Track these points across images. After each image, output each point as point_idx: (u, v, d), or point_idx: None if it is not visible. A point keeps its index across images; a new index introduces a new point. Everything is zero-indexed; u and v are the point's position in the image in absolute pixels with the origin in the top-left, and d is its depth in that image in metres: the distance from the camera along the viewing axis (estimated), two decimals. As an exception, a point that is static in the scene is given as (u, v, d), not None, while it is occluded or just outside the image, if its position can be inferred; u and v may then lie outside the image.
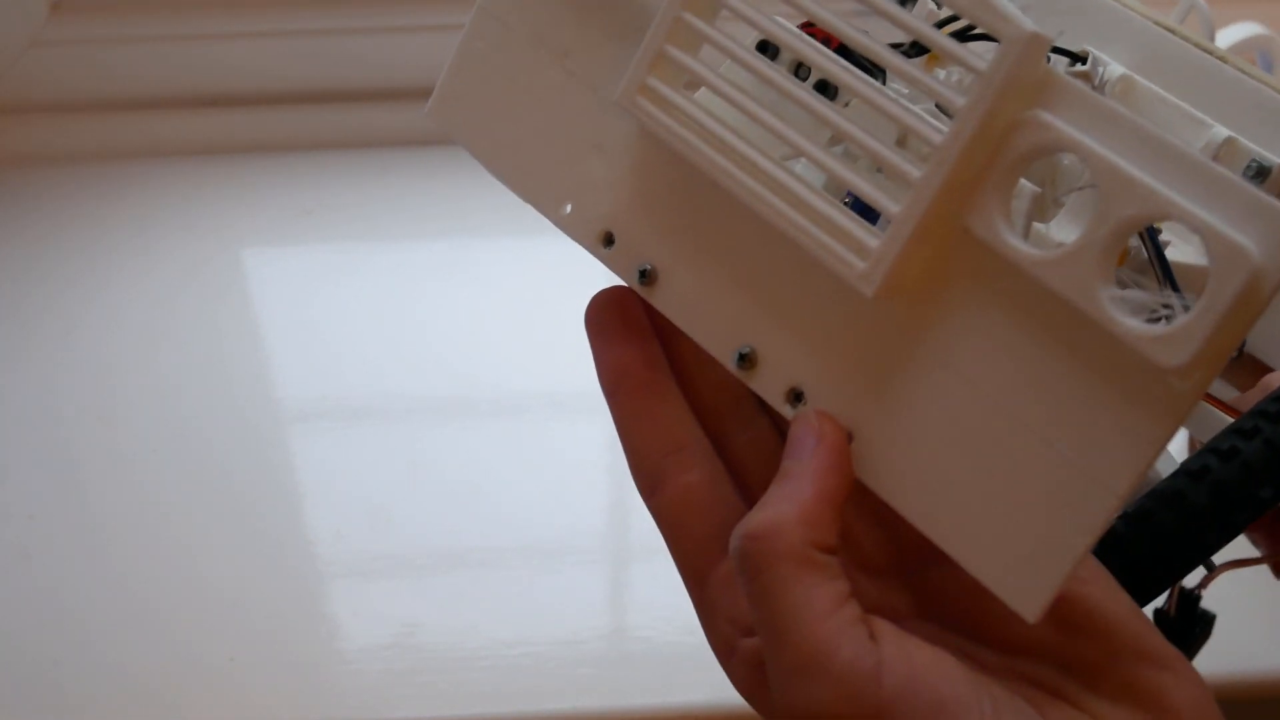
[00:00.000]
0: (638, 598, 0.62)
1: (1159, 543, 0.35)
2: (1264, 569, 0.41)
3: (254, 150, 0.81)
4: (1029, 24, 0.29)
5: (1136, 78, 0.38)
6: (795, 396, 0.34)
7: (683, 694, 0.59)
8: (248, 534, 0.63)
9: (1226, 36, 0.53)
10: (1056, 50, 0.38)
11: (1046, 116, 0.29)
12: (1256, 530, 0.40)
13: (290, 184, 0.79)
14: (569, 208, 0.37)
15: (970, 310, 0.31)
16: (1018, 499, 0.30)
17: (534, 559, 0.63)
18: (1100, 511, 0.29)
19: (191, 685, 0.58)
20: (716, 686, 0.59)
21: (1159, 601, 0.38)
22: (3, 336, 0.72)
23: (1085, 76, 0.38)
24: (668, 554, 0.36)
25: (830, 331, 0.33)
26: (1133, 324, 0.28)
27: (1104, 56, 0.39)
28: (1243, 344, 0.40)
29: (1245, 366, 0.42)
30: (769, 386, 0.34)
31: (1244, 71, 0.38)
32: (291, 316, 0.73)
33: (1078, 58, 0.38)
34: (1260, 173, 0.36)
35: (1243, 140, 0.37)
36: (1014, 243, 0.30)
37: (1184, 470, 0.35)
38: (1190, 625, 0.38)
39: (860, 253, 0.31)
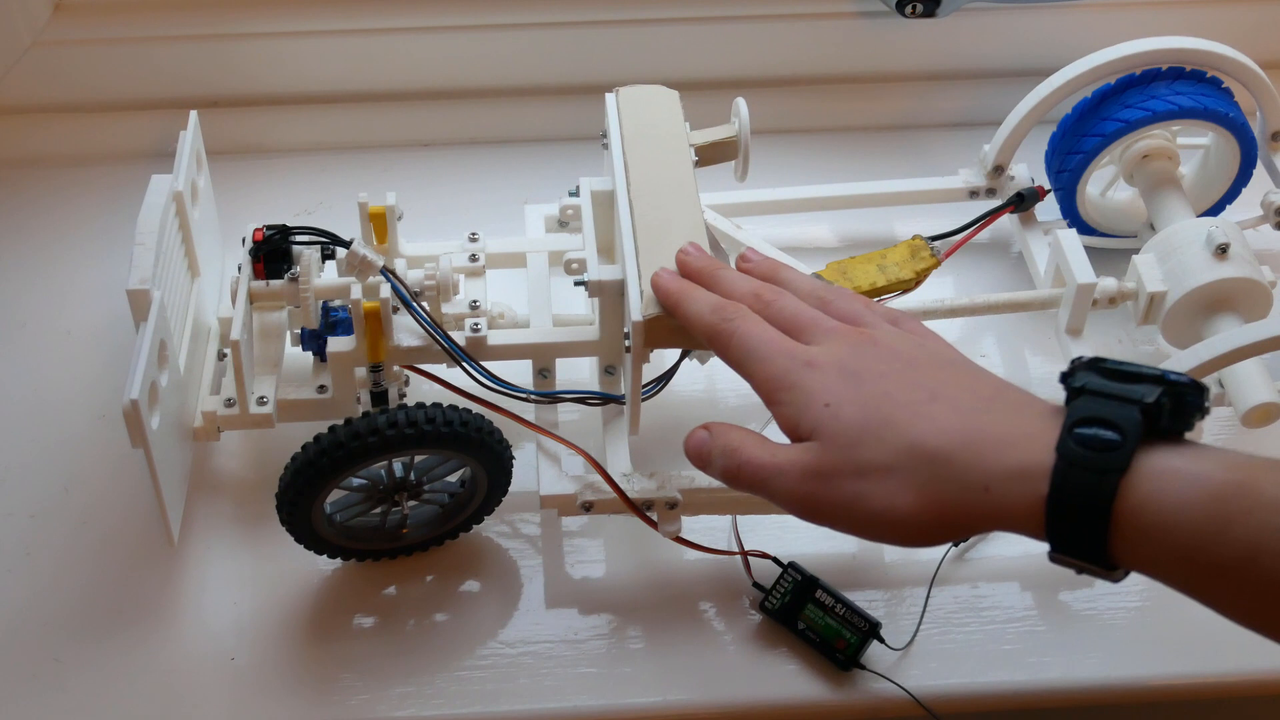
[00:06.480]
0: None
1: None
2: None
3: (254, 151, 0.81)
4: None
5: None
6: None
7: (682, 693, 0.59)
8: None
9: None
10: None
11: None
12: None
13: (291, 184, 0.80)
14: None
15: None
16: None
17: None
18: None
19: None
20: (716, 686, 0.59)
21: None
22: (1, 337, 0.72)
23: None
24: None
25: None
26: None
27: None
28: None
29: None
30: None
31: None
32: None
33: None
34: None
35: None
36: None
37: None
38: None
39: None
